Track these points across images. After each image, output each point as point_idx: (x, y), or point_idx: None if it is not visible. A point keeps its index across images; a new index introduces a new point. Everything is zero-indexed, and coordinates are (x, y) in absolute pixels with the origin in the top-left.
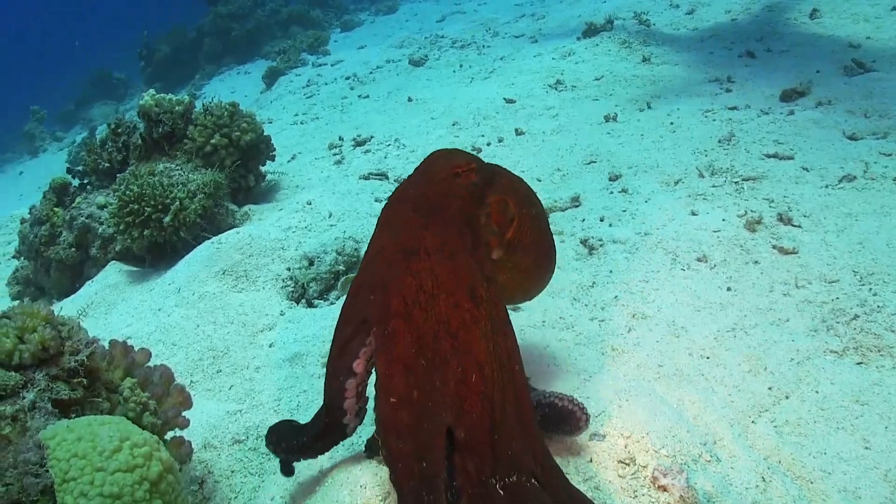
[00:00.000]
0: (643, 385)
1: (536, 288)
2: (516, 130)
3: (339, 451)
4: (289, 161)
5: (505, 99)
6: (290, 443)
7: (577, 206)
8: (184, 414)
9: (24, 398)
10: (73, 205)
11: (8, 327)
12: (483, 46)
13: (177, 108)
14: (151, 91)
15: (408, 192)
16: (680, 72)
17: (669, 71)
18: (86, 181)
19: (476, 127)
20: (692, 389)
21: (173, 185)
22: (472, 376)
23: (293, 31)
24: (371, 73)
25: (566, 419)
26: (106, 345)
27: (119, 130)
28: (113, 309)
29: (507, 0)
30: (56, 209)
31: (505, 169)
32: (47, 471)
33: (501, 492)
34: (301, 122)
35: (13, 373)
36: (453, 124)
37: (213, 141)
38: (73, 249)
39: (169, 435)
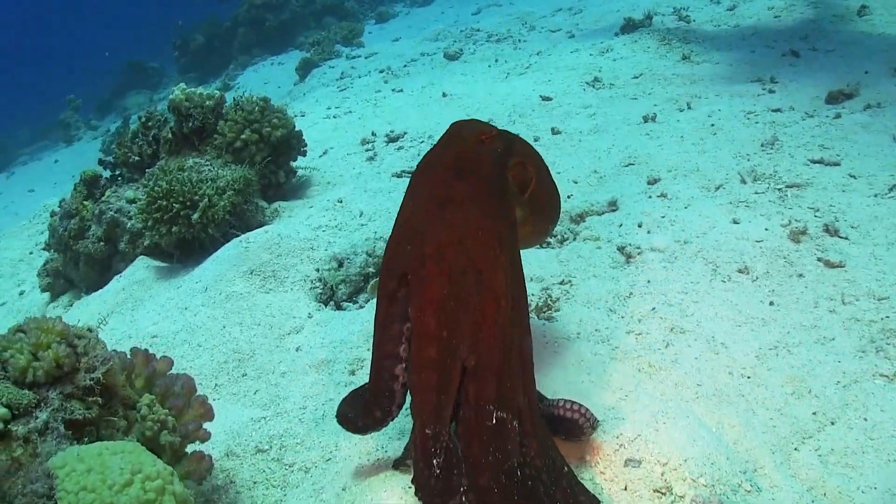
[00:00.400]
0: (681, 406)
1: (545, 236)
2: (552, 129)
3: (366, 465)
4: (321, 156)
5: (541, 96)
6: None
7: (614, 211)
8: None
9: (36, 418)
10: (103, 198)
11: (22, 343)
12: (519, 41)
13: (207, 102)
14: (182, 85)
15: (438, 156)
16: (721, 71)
17: (710, 70)
18: (117, 172)
19: (511, 125)
20: (732, 412)
21: (202, 182)
22: (491, 307)
23: (327, 22)
24: (405, 66)
25: (571, 428)
26: (128, 352)
27: (149, 124)
28: (140, 306)
29: None
30: (86, 202)
31: (518, 136)
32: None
33: (493, 421)
34: (334, 116)
35: (26, 391)
36: (488, 120)
37: (243, 136)
38: (101, 244)
39: (190, 448)
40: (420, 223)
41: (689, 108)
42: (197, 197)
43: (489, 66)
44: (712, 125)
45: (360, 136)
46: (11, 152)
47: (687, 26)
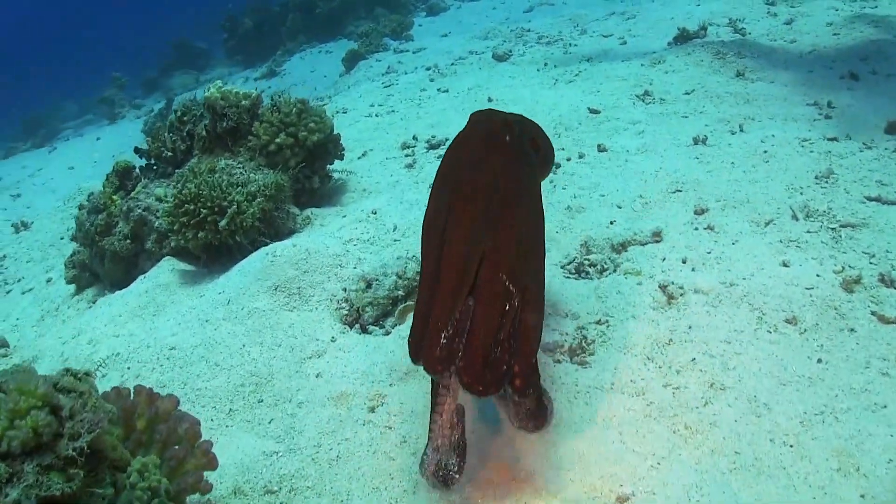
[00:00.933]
0: (716, 478)
1: (547, 173)
2: (598, 146)
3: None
4: (359, 158)
5: (589, 109)
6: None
7: (658, 242)
8: (213, 451)
9: (6, 496)
10: (132, 195)
11: None
12: (570, 45)
13: (243, 102)
14: (218, 83)
15: (469, 135)
16: (776, 91)
17: (765, 89)
18: (152, 162)
19: (557, 138)
20: (772, 486)
21: (232, 186)
22: (513, 211)
23: (378, 13)
24: (452, 64)
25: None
26: (132, 389)
27: (185, 118)
28: (161, 312)
29: None
30: (114, 197)
31: (522, 116)
32: None
33: (501, 289)
34: (376, 115)
35: None
36: None
37: (277, 140)
38: (127, 241)
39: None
40: (458, 177)
41: (742, 130)
42: (226, 203)
43: (538, 70)
44: (765, 152)
45: (402, 139)
46: (56, 126)
47: (742, 39)
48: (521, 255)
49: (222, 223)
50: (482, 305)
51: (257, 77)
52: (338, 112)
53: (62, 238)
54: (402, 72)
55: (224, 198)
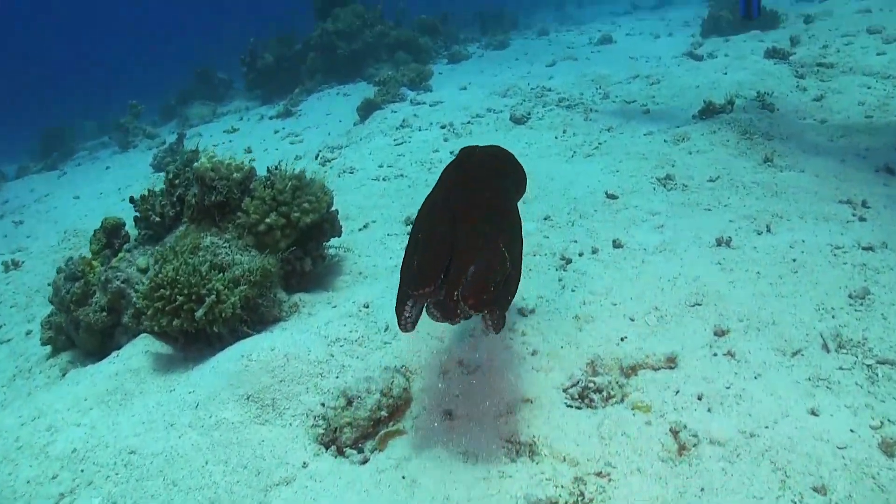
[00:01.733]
0: None
1: (522, 193)
2: (614, 242)
3: None
4: (360, 229)
5: (606, 193)
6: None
7: (672, 368)
8: None
9: None
10: (113, 262)
11: None
12: (590, 110)
13: (234, 175)
14: (210, 152)
15: (462, 163)
16: (806, 182)
17: (794, 179)
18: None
19: (570, 227)
20: None
21: (214, 269)
22: (503, 214)
23: (399, 57)
24: (469, 122)
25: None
26: None
27: (176, 182)
28: (128, 402)
29: (622, 50)
30: (94, 263)
31: (500, 147)
32: None
33: (506, 254)
34: (383, 178)
35: None
36: (545, 218)
37: (268, 220)
38: (103, 314)
39: None
40: (460, 194)
41: (769, 231)
42: (204, 291)
43: (556, 138)
44: (794, 260)
45: (406, 211)
46: (72, 146)
47: (770, 116)
48: (509, 238)
49: (199, 313)
50: (492, 257)
51: (272, 115)
52: (344, 171)
53: (49, 284)
54: (417, 127)
55: (203, 285)
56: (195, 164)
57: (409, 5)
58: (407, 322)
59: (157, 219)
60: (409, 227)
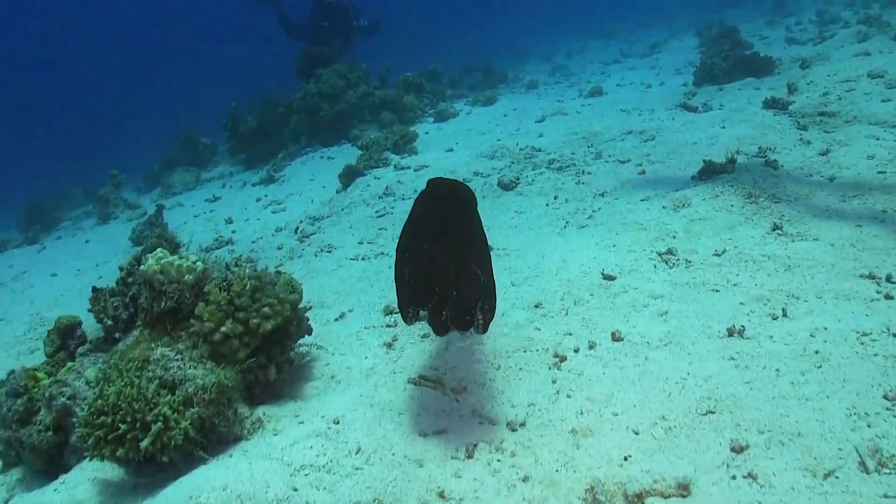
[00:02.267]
0: None
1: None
2: (613, 334)
3: None
4: (336, 320)
5: (602, 274)
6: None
7: (684, 497)
8: None
9: None
10: (60, 374)
11: None
12: (583, 171)
13: (186, 277)
14: (158, 252)
15: (431, 195)
16: (821, 254)
17: (807, 251)
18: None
19: (563, 316)
20: None
21: (165, 387)
22: (471, 237)
23: (384, 117)
24: None
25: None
26: None
27: (129, 280)
28: None
29: (613, 102)
30: (40, 375)
31: (456, 181)
32: None
33: (480, 273)
34: (363, 257)
35: None
36: (537, 306)
37: (223, 329)
38: (49, 434)
39: None
40: (433, 221)
41: (785, 315)
42: (150, 418)
43: (547, 205)
44: (816, 352)
45: (387, 298)
46: (56, 216)
47: (775, 174)
48: (480, 258)
49: (144, 443)
50: (468, 281)
51: (255, 182)
52: (322, 250)
53: None
54: (400, 195)
55: (149, 410)
56: (142, 266)
57: (395, 62)
58: (411, 320)
59: (110, 322)
60: (389, 317)
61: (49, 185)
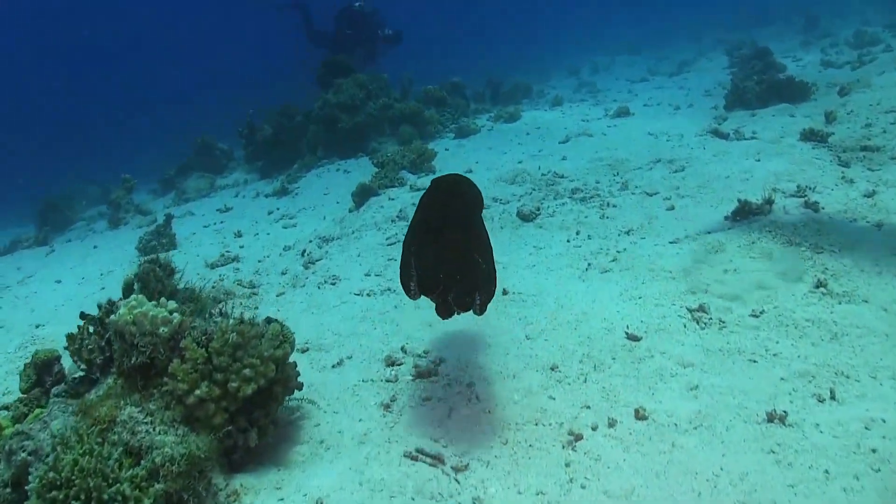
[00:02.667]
0: None
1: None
2: (636, 412)
3: None
4: (333, 366)
5: (626, 333)
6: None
7: None
8: None
9: None
10: (25, 423)
11: None
12: (607, 204)
13: (162, 329)
14: (133, 300)
15: (439, 189)
16: (871, 319)
17: (857, 315)
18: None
19: (581, 384)
20: None
21: (130, 455)
22: (474, 229)
23: (403, 131)
24: None
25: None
26: None
27: (107, 320)
28: None
29: (640, 125)
30: (4, 423)
31: (460, 175)
32: None
33: (481, 261)
34: (368, 293)
35: None
36: (552, 368)
37: (197, 392)
38: (7, 490)
39: None
40: (439, 212)
41: (833, 398)
42: (106, 496)
43: (568, 241)
44: (873, 451)
45: (390, 344)
46: (69, 216)
47: (816, 218)
48: (481, 247)
49: None
50: (471, 270)
51: (268, 193)
52: (326, 282)
53: None
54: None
55: (107, 486)
56: (113, 316)
57: (417, 74)
58: (415, 296)
59: (83, 366)
60: (390, 369)
61: (68, 180)
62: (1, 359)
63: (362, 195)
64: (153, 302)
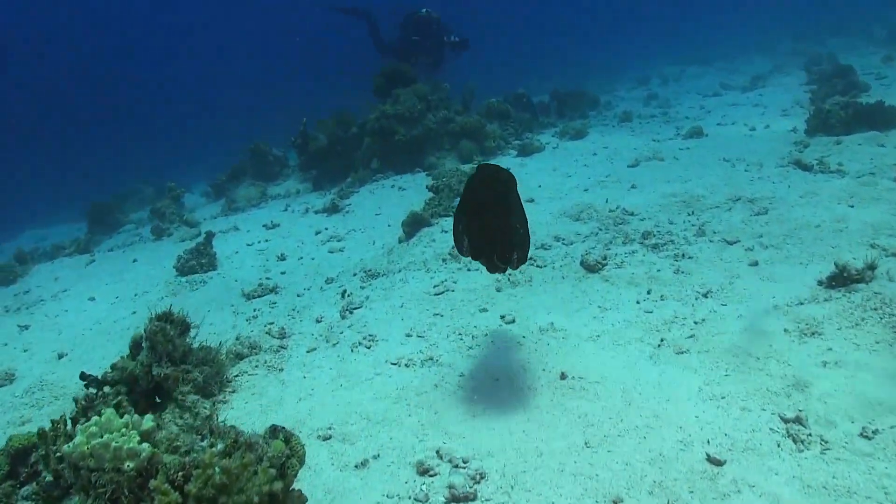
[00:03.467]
0: None
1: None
2: None
3: None
4: (356, 466)
5: (707, 455)
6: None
7: None
8: None
9: None
10: None
11: None
12: (682, 255)
13: (127, 465)
14: (93, 424)
15: (483, 177)
16: None
17: None
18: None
19: None
20: None
21: None
22: (514, 205)
23: (463, 146)
24: (530, 260)
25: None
26: None
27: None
28: None
29: (714, 147)
30: None
31: (498, 167)
32: None
33: (520, 228)
34: (407, 363)
35: None
36: (615, 503)
37: None
38: None
39: None
40: (485, 195)
41: None
42: None
43: (638, 303)
44: None
45: (423, 445)
46: (118, 218)
47: None
48: (519, 218)
49: None
50: (512, 236)
51: (318, 209)
52: (361, 343)
53: None
54: (466, 264)
55: None
56: (66, 446)
57: (480, 83)
58: (466, 254)
59: (50, 478)
60: (421, 481)
61: (128, 178)
62: (6, 401)
63: (413, 225)
64: (123, 419)
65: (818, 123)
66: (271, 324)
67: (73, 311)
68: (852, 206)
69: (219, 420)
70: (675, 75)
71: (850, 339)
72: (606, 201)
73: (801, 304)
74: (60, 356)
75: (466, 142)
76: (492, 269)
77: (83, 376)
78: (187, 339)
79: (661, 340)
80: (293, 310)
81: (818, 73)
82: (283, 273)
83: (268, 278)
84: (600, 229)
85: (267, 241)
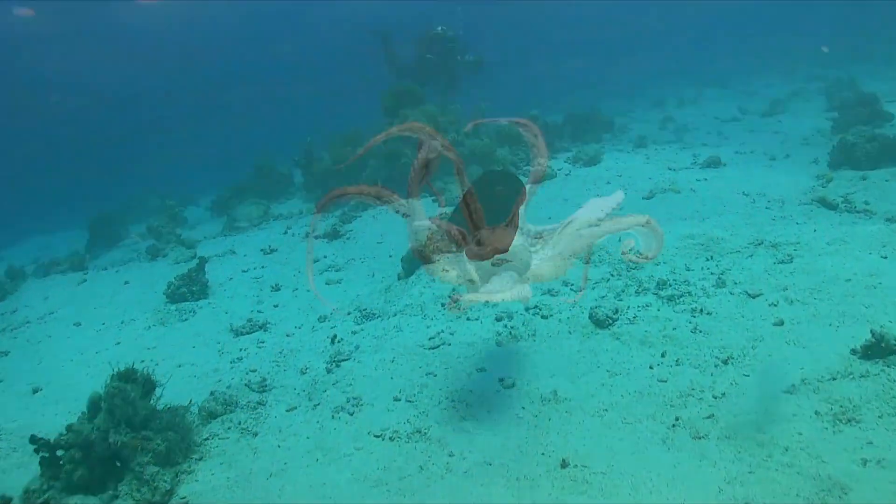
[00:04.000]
0: None
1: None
2: None
3: None
4: None
5: None
6: None
7: None
8: None
9: None
10: None
11: None
12: (700, 310)
13: None
14: None
15: (487, 180)
16: None
17: None
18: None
19: None
20: None
21: None
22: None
23: (472, 172)
24: (536, 309)
25: None
26: None
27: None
28: None
29: (733, 180)
30: None
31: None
32: None
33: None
34: (391, 435)
35: None
36: None
37: None
38: None
39: None
40: (494, 189)
41: None
42: None
43: (651, 368)
44: None
45: None
46: (119, 230)
47: None
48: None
49: None
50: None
51: (319, 235)
52: (343, 408)
53: None
54: (467, 314)
55: None
56: None
57: (491, 104)
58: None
59: None
60: None
61: (132, 188)
62: None
63: (413, 261)
64: None
65: (842, 156)
66: (254, 371)
67: (56, 338)
68: (885, 258)
69: (179, 497)
70: (691, 98)
71: (892, 430)
72: (619, 240)
73: (834, 378)
74: (35, 391)
75: (476, 168)
76: (480, 256)
77: (33, 440)
78: (151, 401)
79: (677, 419)
80: (280, 353)
81: (840, 100)
82: (275, 306)
83: (259, 311)
84: (612, 275)
85: (263, 267)
